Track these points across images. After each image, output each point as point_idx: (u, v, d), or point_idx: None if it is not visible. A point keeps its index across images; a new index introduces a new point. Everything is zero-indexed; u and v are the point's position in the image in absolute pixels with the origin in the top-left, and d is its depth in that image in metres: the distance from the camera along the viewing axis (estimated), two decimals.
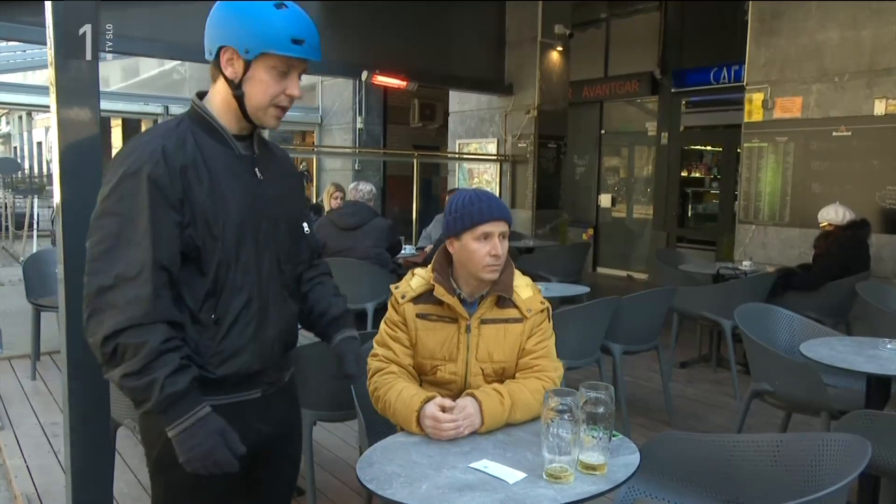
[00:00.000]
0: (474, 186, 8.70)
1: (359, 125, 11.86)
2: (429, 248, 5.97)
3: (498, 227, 1.94)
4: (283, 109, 1.57)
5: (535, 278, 2.14)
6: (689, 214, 10.09)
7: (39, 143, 28.47)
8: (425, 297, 2.00)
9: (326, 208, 6.06)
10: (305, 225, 1.77)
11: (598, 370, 3.93)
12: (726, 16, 8.51)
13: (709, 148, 9.97)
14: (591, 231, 10.92)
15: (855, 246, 4.90)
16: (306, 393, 2.39)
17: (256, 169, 1.61)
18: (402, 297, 2.02)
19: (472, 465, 1.59)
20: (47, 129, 23.29)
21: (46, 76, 2.22)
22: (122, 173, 1.45)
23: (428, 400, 1.80)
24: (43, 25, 2.10)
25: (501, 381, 1.95)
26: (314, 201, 9.59)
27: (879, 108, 5.51)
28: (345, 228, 4.91)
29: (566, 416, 1.52)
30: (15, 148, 32.43)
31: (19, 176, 20.90)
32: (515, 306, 1.99)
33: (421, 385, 2.03)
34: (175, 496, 1.60)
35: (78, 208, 2.12)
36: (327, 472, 3.44)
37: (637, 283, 9.88)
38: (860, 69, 5.61)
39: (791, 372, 3.12)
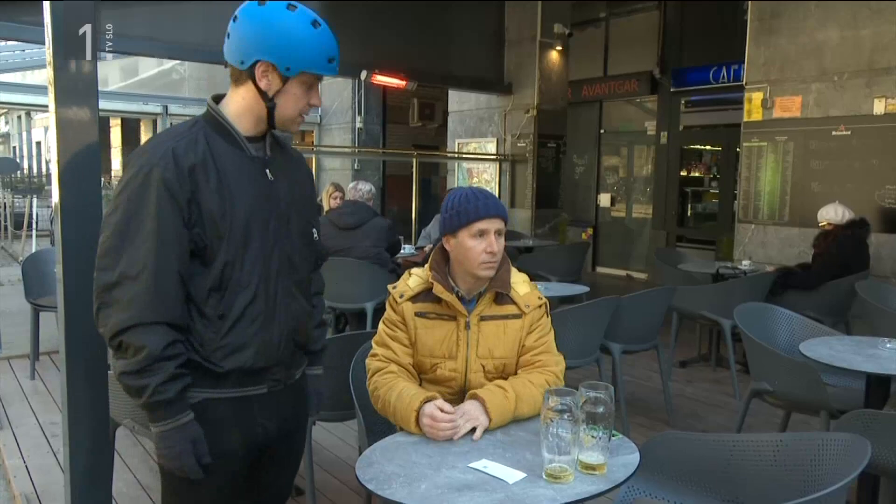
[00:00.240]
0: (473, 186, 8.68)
1: (358, 125, 11.85)
2: (428, 247, 5.97)
3: (494, 225, 1.94)
4: (304, 116, 1.67)
5: (535, 278, 2.15)
6: (689, 214, 10.09)
7: (38, 143, 28.46)
8: (423, 295, 2.01)
9: (325, 208, 6.05)
10: (315, 231, 1.82)
11: (598, 370, 3.93)
12: (726, 15, 8.51)
13: (708, 147, 9.97)
14: (590, 230, 10.93)
15: (854, 245, 4.90)
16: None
17: (268, 170, 1.66)
18: (401, 296, 2.03)
19: (471, 464, 1.59)
20: (46, 129, 23.28)
21: (45, 76, 2.22)
22: (134, 173, 1.52)
23: (428, 400, 1.80)
24: (42, 25, 2.10)
25: (503, 378, 1.96)
26: None
27: (879, 107, 5.51)
28: (344, 228, 4.91)
29: (566, 416, 1.52)
30: (14, 148, 32.43)
31: (18, 176, 20.88)
32: (513, 302, 2.00)
33: (421, 384, 2.03)
34: (185, 487, 1.65)
35: (77, 208, 2.12)
36: (327, 471, 3.44)
37: (636, 282, 9.89)
38: (860, 68, 5.61)
39: (790, 371, 3.12)
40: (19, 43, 9.92)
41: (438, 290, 1.96)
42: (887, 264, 5.47)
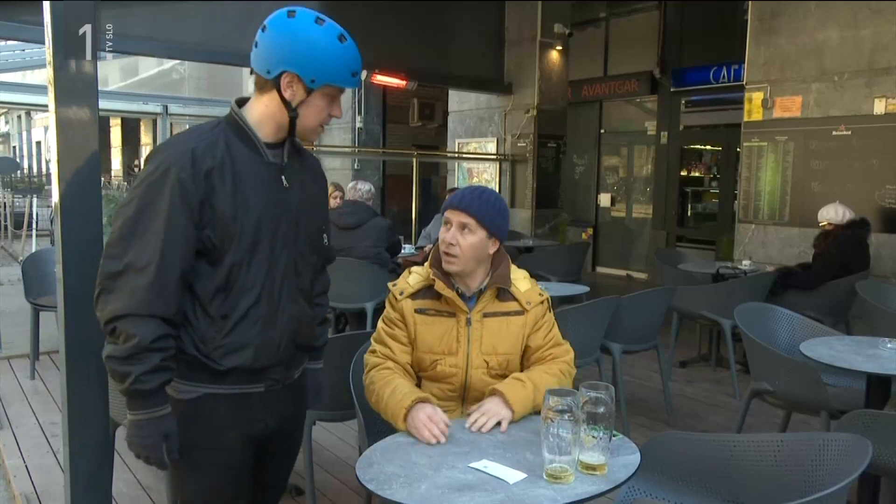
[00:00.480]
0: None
1: (358, 124, 11.84)
2: (428, 247, 5.96)
3: (456, 217, 1.97)
4: (325, 127, 1.71)
5: (535, 278, 2.15)
6: (689, 214, 10.09)
7: (38, 143, 28.48)
8: (423, 292, 2.03)
9: None
10: (325, 237, 1.87)
11: (598, 370, 3.93)
12: (726, 15, 8.51)
13: (708, 147, 9.97)
14: (590, 230, 10.93)
15: (854, 245, 4.89)
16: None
17: (283, 177, 1.69)
18: (401, 293, 2.05)
19: (471, 465, 1.59)
20: (46, 129, 23.28)
21: (45, 75, 2.22)
22: (153, 168, 1.55)
23: (420, 400, 1.81)
24: (42, 24, 2.09)
25: (505, 375, 1.97)
26: None
27: (879, 107, 5.51)
28: (344, 228, 4.91)
29: (566, 416, 1.52)
30: (14, 147, 32.44)
31: (18, 175, 20.90)
32: (515, 299, 2.02)
33: (421, 382, 2.05)
34: (195, 479, 1.70)
35: (77, 208, 2.12)
36: (327, 471, 3.44)
37: (636, 282, 9.88)
38: (860, 68, 5.61)
39: (791, 371, 3.12)
40: (19, 42, 9.92)
41: (440, 286, 1.97)
42: (887, 264, 5.47)
